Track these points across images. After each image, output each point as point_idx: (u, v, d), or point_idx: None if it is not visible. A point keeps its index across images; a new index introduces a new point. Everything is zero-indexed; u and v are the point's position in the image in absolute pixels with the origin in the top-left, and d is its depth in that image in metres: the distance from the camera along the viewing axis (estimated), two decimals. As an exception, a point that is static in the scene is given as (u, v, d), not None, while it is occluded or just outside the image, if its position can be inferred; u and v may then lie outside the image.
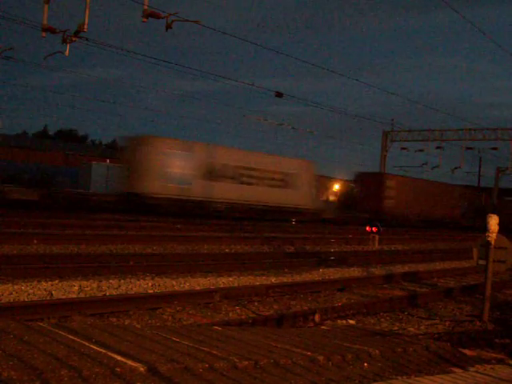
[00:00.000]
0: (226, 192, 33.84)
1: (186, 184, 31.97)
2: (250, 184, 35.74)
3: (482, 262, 8.60)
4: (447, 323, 8.61)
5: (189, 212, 31.75)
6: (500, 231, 8.43)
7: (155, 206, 30.72)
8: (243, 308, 8.75)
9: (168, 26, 14.75)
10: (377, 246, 21.57)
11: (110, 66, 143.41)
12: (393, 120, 49.90)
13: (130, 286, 9.47)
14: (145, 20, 14.87)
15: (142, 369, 3.75)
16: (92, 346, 4.21)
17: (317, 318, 7.89)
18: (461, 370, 4.99)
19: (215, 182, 33.40)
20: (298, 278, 12.11)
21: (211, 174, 33.29)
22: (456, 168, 49.29)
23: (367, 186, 43.57)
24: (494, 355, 5.90)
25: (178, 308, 8.24)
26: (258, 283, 10.79)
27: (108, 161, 49.83)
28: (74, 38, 16.17)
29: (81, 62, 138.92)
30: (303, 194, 38.97)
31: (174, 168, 31.79)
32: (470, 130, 47.15)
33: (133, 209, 30.62)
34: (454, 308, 10.24)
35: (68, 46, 16.33)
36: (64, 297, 8.23)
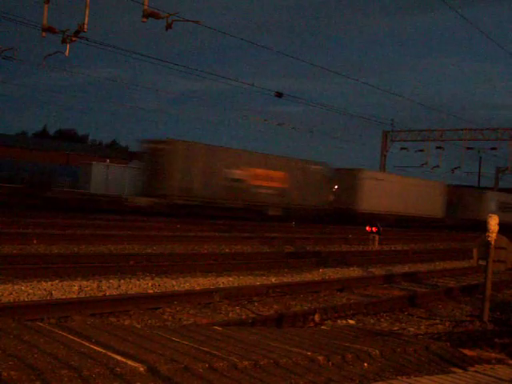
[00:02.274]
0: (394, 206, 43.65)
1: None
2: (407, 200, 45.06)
3: (482, 262, 8.60)
4: (447, 323, 8.60)
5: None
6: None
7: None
8: (243, 308, 8.75)
9: (168, 26, 14.76)
10: (377, 246, 21.56)
11: (110, 66, 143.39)
12: (393, 120, 50.01)
13: (129, 286, 9.47)
14: (145, 20, 14.89)
15: (141, 369, 3.76)
16: (92, 346, 4.21)
17: (317, 317, 7.88)
18: (461, 370, 5.00)
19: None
20: (297, 278, 12.11)
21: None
22: (456, 168, 49.37)
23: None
24: (493, 355, 5.90)
25: (177, 308, 8.24)
26: (258, 283, 10.79)
27: (108, 161, 49.81)
28: (73, 38, 16.19)
29: (81, 62, 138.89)
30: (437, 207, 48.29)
31: None
32: (470, 130, 47.20)
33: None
34: (453, 308, 10.24)
35: (68, 46, 16.35)
36: (64, 297, 8.22)
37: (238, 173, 34.36)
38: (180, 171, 31.75)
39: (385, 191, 42.59)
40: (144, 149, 33.47)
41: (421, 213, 46.41)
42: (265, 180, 35.91)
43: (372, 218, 35.40)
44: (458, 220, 50.29)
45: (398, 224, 41.74)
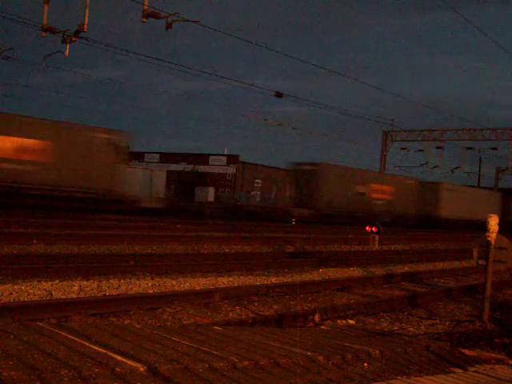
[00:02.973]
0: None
1: None
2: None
3: (482, 262, 8.60)
4: (447, 323, 8.60)
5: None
6: None
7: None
8: (243, 308, 8.75)
9: (168, 26, 14.78)
10: (377, 246, 21.56)
11: (110, 66, 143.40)
12: (393, 120, 49.95)
13: (129, 286, 9.47)
14: (145, 20, 14.90)
15: (141, 369, 3.75)
16: (92, 346, 4.21)
17: (317, 317, 7.88)
18: (461, 370, 5.00)
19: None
20: (298, 278, 12.11)
21: None
22: (456, 168, 49.38)
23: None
24: (493, 355, 5.90)
25: (178, 308, 8.24)
26: (258, 283, 10.79)
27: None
28: (73, 38, 16.20)
29: (81, 62, 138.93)
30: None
31: None
32: (469, 130, 47.20)
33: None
34: (453, 308, 10.24)
35: (68, 46, 16.37)
36: (64, 297, 8.23)
37: (361, 188, 42.93)
38: (326, 188, 40.01)
39: (458, 200, 49.95)
40: (296, 169, 41.49)
41: (481, 217, 48.45)
42: (379, 193, 44.30)
43: (451, 223, 47.25)
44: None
45: (465, 228, 46.19)
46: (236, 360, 4.19)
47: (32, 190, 28.48)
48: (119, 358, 3.93)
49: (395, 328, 8.12)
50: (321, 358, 4.60)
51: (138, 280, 10.15)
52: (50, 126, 29.96)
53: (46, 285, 8.84)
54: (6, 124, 28.06)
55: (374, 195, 44.24)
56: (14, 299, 7.80)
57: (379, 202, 44.38)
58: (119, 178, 32.03)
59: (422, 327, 8.33)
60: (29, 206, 26.91)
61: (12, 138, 28.15)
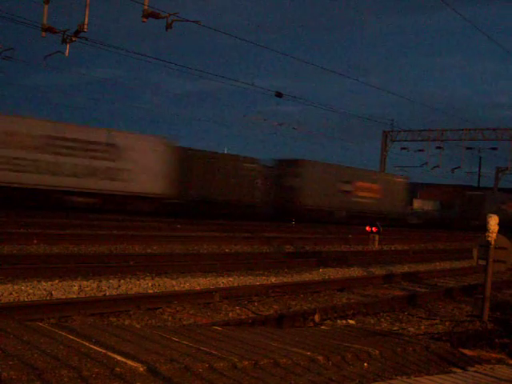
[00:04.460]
0: None
1: None
2: None
3: (482, 262, 8.60)
4: (447, 323, 8.60)
5: None
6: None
7: None
8: (243, 308, 8.75)
9: (168, 26, 14.77)
10: (377, 246, 21.56)
11: (110, 66, 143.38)
12: (393, 120, 50.03)
13: (129, 286, 9.47)
14: (145, 20, 14.90)
15: (141, 369, 3.76)
16: (92, 346, 4.21)
17: (317, 317, 7.88)
18: (461, 370, 5.00)
19: None
20: (298, 278, 12.10)
21: None
22: (456, 168, 49.37)
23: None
24: (493, 355, 5.90)
25: (178, 308, 8.24)
26: (258, 283, 10.79)
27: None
28: (73, 38, 16.20)
29: (81, 62, 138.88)
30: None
31: None
32: (469, 130, 47.19)
33: None
34: (453, 308, 10.24)
35: (68, 46, 16.36)
36: (64, 297, 8.23)
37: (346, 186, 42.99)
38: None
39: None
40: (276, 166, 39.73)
41: None
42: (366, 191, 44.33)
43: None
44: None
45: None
46: (236, 360, 4.19)
47: (373, 214, 39.86)
48: (119, 357, 3.93)
49: (395, 328, 8.12)
50: (321, 358, 4.60)
51: (138, 280, 10.15)
52: (377, 175, 46.44)
53: (46, 285, 8.84)
54: (364, 176, 43.94)
55: (360, 193, 43.46)
56: (13, 299, 7.80)
57: (364, 201, 43.40)
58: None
59: (422, 327, 8.33)
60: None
61: (366, 184, 43.39)
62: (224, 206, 34.37)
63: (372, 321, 8.68)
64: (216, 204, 33.87)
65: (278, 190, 38.27)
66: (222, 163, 34.89)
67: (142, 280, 10.18)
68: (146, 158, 30.24)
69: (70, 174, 27.62)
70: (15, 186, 26.21)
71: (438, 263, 18.31)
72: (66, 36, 16.15)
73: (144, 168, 29.98)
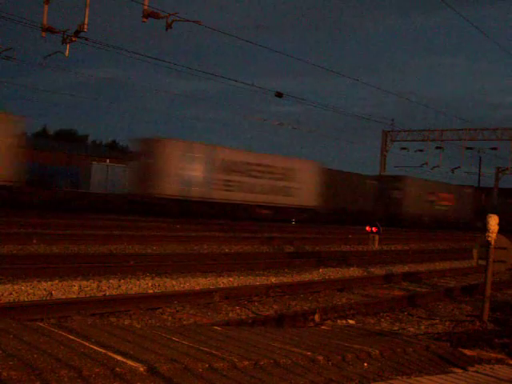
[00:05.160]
0: None
1: None
2: None
3: (482, 262, 8.60)
4: (447, 323, 8.60)
5: None
6: None
7: None
8: (243, 308, 8.75)
9: (168, 26, 14.78)
10: (377, 246, 21.56)
11: (110, 66, 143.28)
12: (393, 120, 50.06)
13: (129, 286, 9.47)
14: (145, 20, 14.90)
15: (141, 369, 3.75)
16: (92, 346, 4.21)
17: (317, 317, 7.88)
18: (461, 370, 5.00)
19: None
20: (298, 278, 12.10)
21: None
22: (456, 168, 49.34)
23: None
24: (493, 355, 5.90)
25: (178, 308, 8.24)
26: (258, 283, 10.79)
27: (108, 161, 49.78)
28: (73, 38, 16.20)
29: (81, 62, 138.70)
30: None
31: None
32: (469, 129, 47.17)
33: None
34: (453, 308, 10.24)
35: (68, 46, 16.36)
36: (64, 297, 8.23)
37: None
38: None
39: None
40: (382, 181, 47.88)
41: None
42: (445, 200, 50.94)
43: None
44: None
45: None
46: (236, 360, 4.19)
47: (449, 219, 51.54)
48: (119, 357, 3.93)
49: (395, 328, 8.12)
50: (321, 358, 4.60)
51: (138, 280, 10.14)
52: (451, 186, 52.85)
53: (46, 285, 8.83)
54: (443, 187, 51.25)
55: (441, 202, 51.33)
56: (13, 299, 7.80)
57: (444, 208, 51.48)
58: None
59: (422, 327, 8.33)
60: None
61: (445, 194, 51.32)
62: (351, 213, 42.26)
63: (372, 321, 8.68)
64: (346, 212, 42.01)
65: (386, 201, 45.04)
66: (351, 180, 43.27)
67: (141, 280, 10.18)
68: (308, 178, 38.86)
69: (261, 192, 36.05)
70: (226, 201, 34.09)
71: (438, 263, 18.30)
72: (65, 36, 16.15)
73: (306, 186, 38.54)
